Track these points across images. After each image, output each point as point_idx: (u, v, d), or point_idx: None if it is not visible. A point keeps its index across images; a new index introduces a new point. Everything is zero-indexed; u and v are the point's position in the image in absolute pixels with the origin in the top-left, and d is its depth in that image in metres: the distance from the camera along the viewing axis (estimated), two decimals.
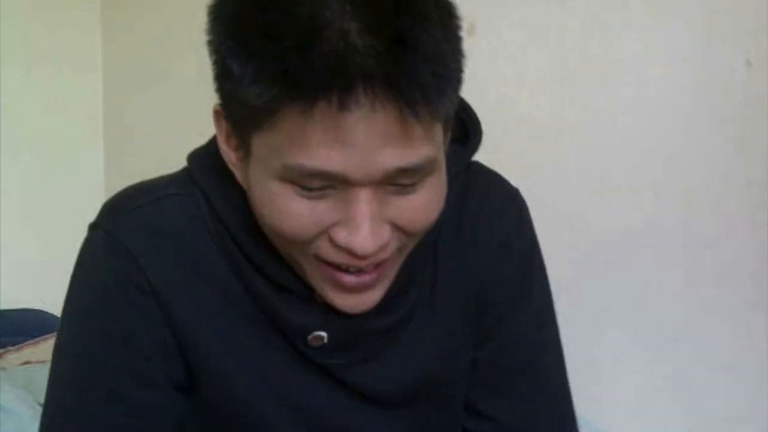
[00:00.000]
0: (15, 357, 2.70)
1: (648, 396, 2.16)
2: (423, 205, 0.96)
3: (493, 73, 2.32)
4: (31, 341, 2.78)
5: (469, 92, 1.00)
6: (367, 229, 0.91)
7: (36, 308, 3.06)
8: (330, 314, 1.07)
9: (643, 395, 2.17)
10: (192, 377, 1.10)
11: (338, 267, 0.98)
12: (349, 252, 0.93)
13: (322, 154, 0.87)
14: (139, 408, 1.06)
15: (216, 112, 0.99)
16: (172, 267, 1.07)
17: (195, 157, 1.12)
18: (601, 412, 2.10)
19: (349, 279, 0.99)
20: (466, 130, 1.16)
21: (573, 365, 1.23)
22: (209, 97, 0.98)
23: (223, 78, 0.91)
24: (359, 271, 0.98)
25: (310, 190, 0.90)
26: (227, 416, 1.11)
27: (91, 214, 1.12)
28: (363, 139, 0.86)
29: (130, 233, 1.07)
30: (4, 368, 2.60)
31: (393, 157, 0.88)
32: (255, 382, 1.10)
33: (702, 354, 2.06)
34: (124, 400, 1.06)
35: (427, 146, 0.90)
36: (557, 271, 1.25)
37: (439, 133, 0.94)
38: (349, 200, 0.91)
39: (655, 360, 2.14)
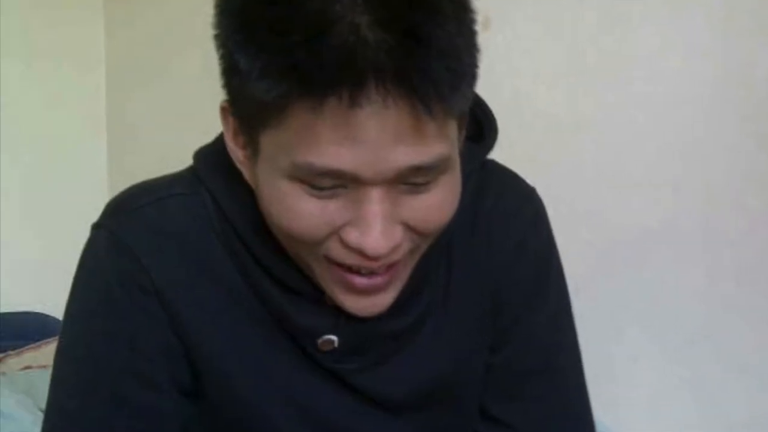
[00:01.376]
0: (15, 361, 2.71)
1: (666, 397, 2.16)
2: (436, 204, 0.95)
3: (509, 67, 2.31)
4: (32, 345, 2.78)
5: (483, 87, 1.00)
6: (378, 229, 0.91)
7: (37, 311, 3.06)
8: (340, 317, 1.06)
9: (660, 396, 2.16)
10: (197, 379, 1.10)
11: (349, 268, 0.97)
12: (361, 253, 0.93)
13: (333, 152, 0.86)
14: (141, 411, 1.06)
15: (223, 109, 0.99)
16: (175, 267, 1.07)
17: (201, 155, 1.12)
18: (617, 413, 2.10)
19: (360, 281, 0.98)
20: (481, 127, 1.16)
21: (590, 365, 1.22)
22: (214, 94, 0.97)
23: (231, 73, 0.90)
24: (371, 273, 0.98)
25: (320, 189, 0.90)
26: (232, 418, 1.11)
27: (94, 213, 1.12)
28: (374, 137, 0.85)
29: (133, 233, 1.07)
30: (4, 373, 2.61)
31: (405, 155, 0.88)
32: (260, 382, 1.10)
33: (721, 354, 2.06)
34: (127, 402, 1.06)
35: (440, 144, 0.90)
36: (574, 269, 1.25)
37: (453, 131, 0.93)
38: (360, 200, 0.90)
39: (674, 360, 2.14)
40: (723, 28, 2.00)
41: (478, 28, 0.91)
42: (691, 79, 2.05)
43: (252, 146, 0.95)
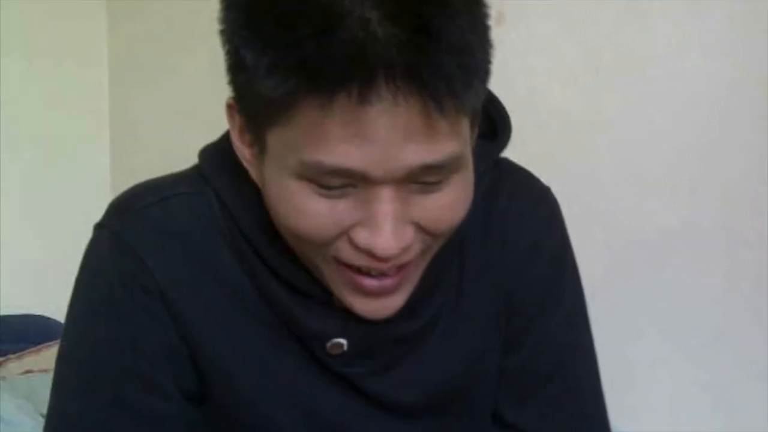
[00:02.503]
0: (16, 365, 2.71)
1: (684, 401, 2.15)
2: (448, 204, 0.95)
3: (523, 64, 2.31)
4: (32, 349, 2.78)
5: (497, 84, 1.00)
6: (389, 229, 0.91)
7: (37, 314, 3.06)
8: (350, 320, 1.06)
9: (680, 403, 2.16)
10: (201, 380, 1.10)
11: (359, 270, 0.97)
12: (371, 254, 0.93)
13: (342, 150, 0.86)
14: (143, 413, 1.06)
15: (229, 106, 0.98)
16: (179, 267, 1.07)
17: (206, 153, 1.12)
18: (635, 417, 2.10)
19: (370, 283, 0.98)
20: (494, 124, 1.15)
21: (606, 369, 1.22)
22: (220, 91, 0.97)
23: (237, 69, 0.90)
24: (381, 275, 0.97)
25: (329, 188, 0.90)
26: (236, 420, 1.11)
27: (96, 213, 1.12)
28: (384, 135, 0.85)
29: (136, 233, 1.07)
30: (4, 377, 2.61)
31: (416, 154, 0.87)
32: (264, 383, 1.10)
33: (742, 360, 2.06)
34: (128, 405, 1.06)
35: (452, 142, 0.89)
36: (589, 271, 1.25)
37: (465, 128, 0.93)
38: (370, 199, 0.90)
39: (693, 366, 2.13)
40: (742, 26, 2.00)
41: (491, 23, 0.91)
42: (709, 78, 2.05)
43: (259, 144, 0.95)
